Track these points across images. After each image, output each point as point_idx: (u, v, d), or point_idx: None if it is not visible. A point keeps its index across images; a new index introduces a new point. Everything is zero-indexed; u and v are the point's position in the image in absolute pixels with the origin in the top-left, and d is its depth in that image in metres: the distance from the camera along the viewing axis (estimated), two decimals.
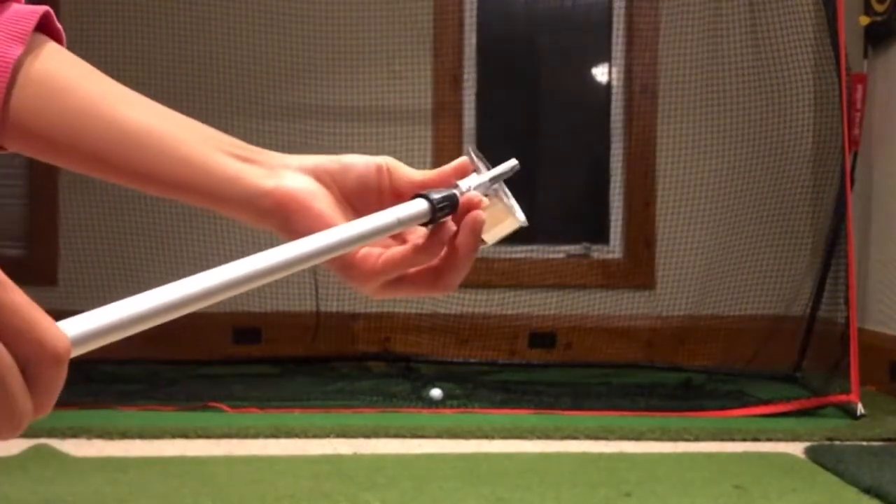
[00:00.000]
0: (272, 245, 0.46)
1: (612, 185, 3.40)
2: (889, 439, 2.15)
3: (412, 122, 3.31)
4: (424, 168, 0.60)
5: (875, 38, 3.02)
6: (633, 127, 3.34)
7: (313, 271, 3.11)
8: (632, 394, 2.67)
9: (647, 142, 3.33)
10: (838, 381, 2.47)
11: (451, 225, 0.57)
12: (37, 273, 3.23)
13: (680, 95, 3.29)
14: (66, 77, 0.56)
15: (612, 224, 3.40)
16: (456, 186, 0.58)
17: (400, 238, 0.60)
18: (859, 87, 2.93)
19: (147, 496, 1.66)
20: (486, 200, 0.58)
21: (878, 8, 2.96)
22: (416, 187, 0.58)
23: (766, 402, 2.48)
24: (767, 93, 3.22)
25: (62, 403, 0.43)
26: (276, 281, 0.45)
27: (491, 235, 0.60)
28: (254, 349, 3.27)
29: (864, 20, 3.00)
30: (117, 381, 2.74)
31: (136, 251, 3.22)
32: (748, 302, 3.20)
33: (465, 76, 3.39)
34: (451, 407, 2.47)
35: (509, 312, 3.28)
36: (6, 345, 0.32)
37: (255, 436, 2.13)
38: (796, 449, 2.05)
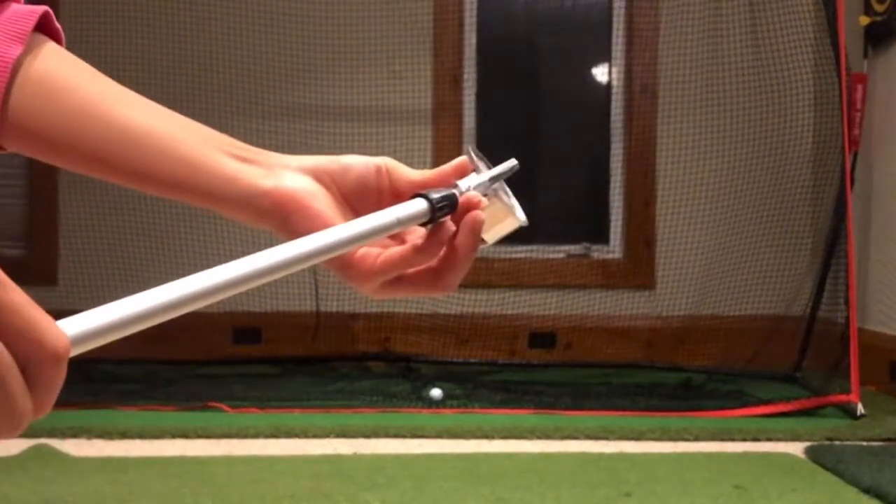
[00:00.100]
0: (272, 245, 0.46)
1: (612, 185, 3.40)
2: (889, 439, 2.15)
3: (412, 122, 3.31)
4: (424, 168, 0.60)
5: (875, 38, 3.02)
6: (633, 127, 3.34)
7: (313, 271, 3.11)
8: (632, 394, 2.67)
9: (647, 142, 3.33)
10: (838, 381, 2.47)
11: (450, 225, 0.56)
12: (37, 273, 3.23)
13: (680, 95, 3.29)
14: (66, 77, 0.56)
15: (612, 224, 3.40)
16: (455, 186, 0.58)
17: (399, 238, 0.60)
18: (859, 87, 2.93)
19: (147, 496, 1.66)
20: (485, 200, 0.58)
21: (878, 8, 2.96)
22: (415, 187, 0.58)
23: (766, 402, 2.48)
24: (767, 93, 3.22)
25: (62, 403, 0.43)
26: (275, 281, 0.45)
27: (491, 235, 0.60)
28: (254, 349, 3.27)
29: (864, 20, 3.00)
30: (117, 380, 2.74)
31: (136, 251, 3.22)
32: (748, 302, 3.20)
33: (465, 76, 3.39)
34: (451, 407, 2.47)
35: (509, 312, 3.28)
36: (6, 344, 0.32)
37: (255, 436, 2.13)
38: (796, 449, 2.05)
